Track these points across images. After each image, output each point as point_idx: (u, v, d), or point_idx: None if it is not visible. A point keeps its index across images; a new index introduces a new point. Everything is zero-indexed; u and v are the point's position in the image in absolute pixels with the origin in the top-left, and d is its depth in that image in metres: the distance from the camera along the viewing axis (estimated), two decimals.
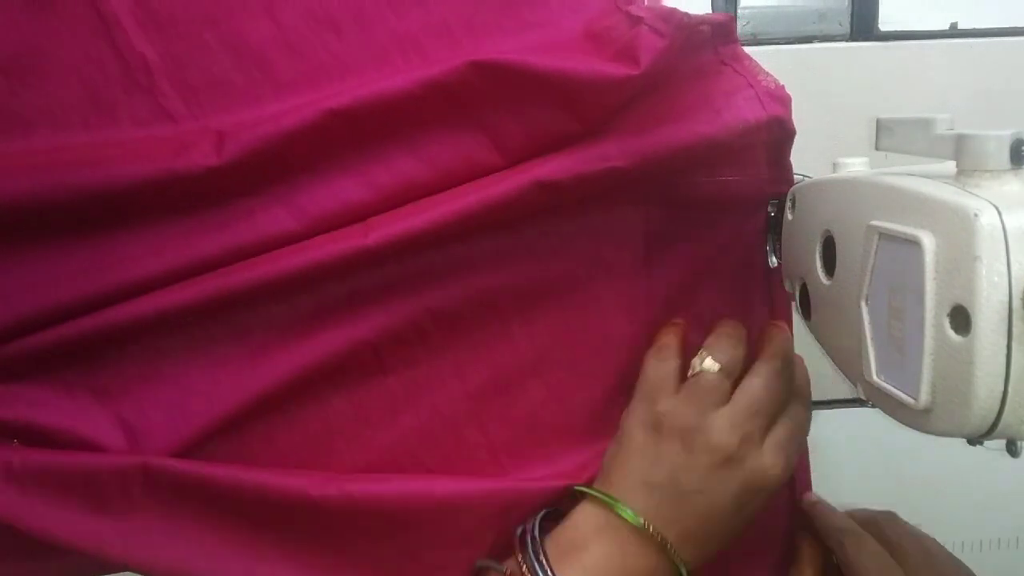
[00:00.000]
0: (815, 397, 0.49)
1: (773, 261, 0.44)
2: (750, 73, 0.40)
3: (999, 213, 0.25)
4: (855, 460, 0.49)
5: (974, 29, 0.45)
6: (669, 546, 0.37)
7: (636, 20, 0.36)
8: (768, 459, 0.39)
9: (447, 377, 0.42)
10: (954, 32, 0.45)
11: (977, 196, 0.26)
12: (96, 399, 0.40)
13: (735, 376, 0.41)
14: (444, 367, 0.42)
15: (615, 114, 0.38)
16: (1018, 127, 0.27)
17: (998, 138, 0.27)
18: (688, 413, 0.39)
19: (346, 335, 0.40)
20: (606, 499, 0.38)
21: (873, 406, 0.33)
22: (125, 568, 0.39)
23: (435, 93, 0.37)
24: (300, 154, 0.38)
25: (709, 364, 0.40)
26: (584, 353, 0.43)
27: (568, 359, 0.43)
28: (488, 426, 0.42)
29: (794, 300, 0.41)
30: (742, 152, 0.40)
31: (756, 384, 0.40)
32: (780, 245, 0.43)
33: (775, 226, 0.43)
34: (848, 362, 0.35)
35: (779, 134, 0.39)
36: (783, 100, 0.39)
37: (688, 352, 0.42)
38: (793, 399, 0.42)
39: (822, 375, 0.47)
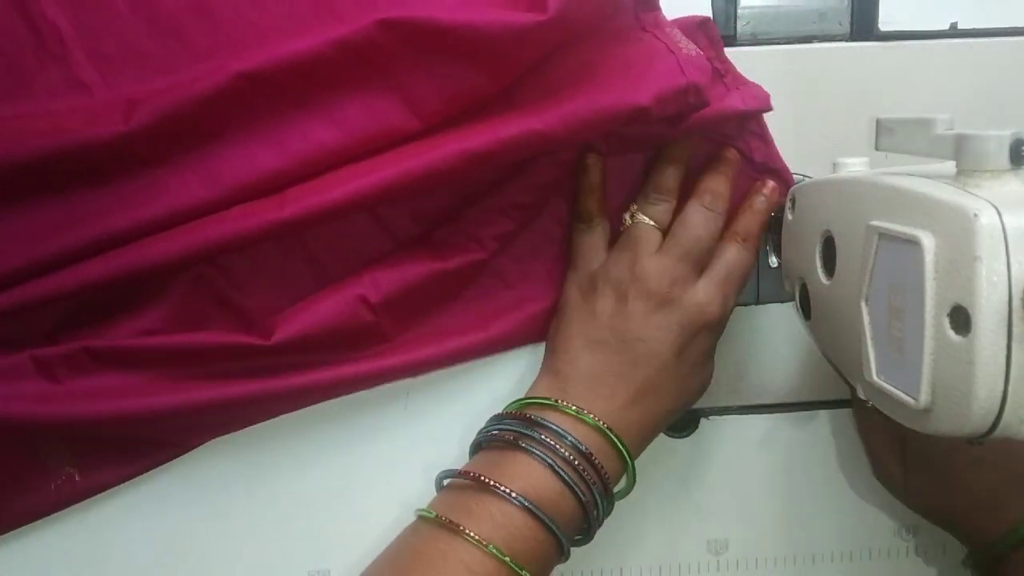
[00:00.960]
0: (816, 397, 0.49)
1: (773, 261, 0.44)
2: (671, 40, 0.39)
3: (999, 213, 0.25)
4: (856, 460, 0.49)
5: (974, 29, 0.45)
6: (609, 430, 0.38)
7: None
8: (702, 296, 0.40)
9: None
10: (954, 32, 0.45)
11: (977, 196, 0.26)
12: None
13: (666, 226, 0.41)
14: None
15: (530, 73, 0.38)
16: (1018, 127, 0.27)
17: (998, 138, 0.27)
18: (620, 267, 0.40)
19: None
20: (547, 402, 0.39)
21: (873, 406, 0.33)
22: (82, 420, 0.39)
23: (345, 53, 0.37)
24: (211, 120, 0.37)
25: (640, 218, 0.41)
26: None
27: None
28: None
29: (794, 300, 0.41)
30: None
31: (683, 227, 0.41)
32: (780, 245, 0.43)
33: (775, 226, 0.43)
34: (848, 362, 0.35)
35: (695, 101, 0.38)
36: (702, 68, 0.38)
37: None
38: (731, 236, 0.42)
39: (822, 375, 0.47)
